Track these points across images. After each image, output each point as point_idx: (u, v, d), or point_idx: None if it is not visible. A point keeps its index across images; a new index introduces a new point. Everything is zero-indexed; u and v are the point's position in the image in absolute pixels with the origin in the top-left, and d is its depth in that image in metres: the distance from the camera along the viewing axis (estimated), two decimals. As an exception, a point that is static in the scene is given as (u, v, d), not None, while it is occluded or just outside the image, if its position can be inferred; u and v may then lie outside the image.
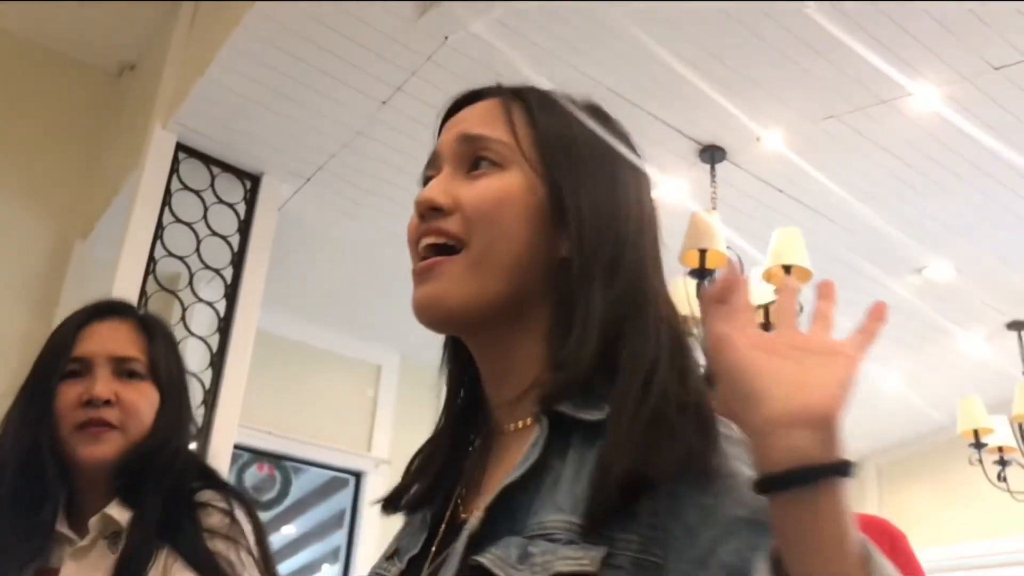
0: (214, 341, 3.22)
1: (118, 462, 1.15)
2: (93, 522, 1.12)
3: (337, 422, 4.82)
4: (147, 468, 1.15)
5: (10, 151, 3.86)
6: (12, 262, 3.81)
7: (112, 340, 1.20)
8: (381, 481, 4.80)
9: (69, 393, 1.16)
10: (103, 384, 1.16)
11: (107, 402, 1.16)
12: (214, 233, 3.37)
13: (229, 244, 3.41)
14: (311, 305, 4.58)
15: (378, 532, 4.59)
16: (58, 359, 1.19)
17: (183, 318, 3.28)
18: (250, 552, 1.12)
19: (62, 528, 1.14)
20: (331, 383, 4.86)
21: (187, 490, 1.16)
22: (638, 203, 0.78)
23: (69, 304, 3.77)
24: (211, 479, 1.21)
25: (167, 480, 1.15)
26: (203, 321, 3.30)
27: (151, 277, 3.23)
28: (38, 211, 3.91)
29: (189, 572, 1.05)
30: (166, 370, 1.22)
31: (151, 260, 3.22)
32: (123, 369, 1.19)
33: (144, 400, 1.18)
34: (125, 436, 1.16)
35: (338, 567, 4.66)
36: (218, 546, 1.10)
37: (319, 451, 4.69)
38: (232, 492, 1.20)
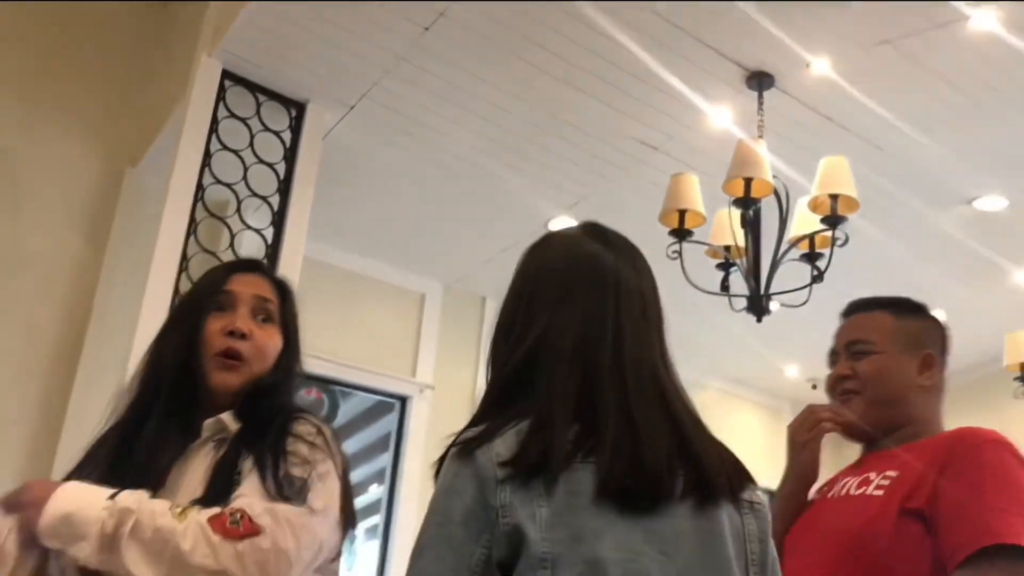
0: (262, 268, 3.29)
1: (240, 390, 1.34)
2: (208, 423, 1.30)
3: (383, 348, 4.91)
4: (262, 398, 1.33)
5: (58, 82, 3.91)
6: (64, 191, 3.89)
7: (255, 286, 1.42)
8: (425, 406, 4.90)
9: (215, 323, 1.36)
10: (243, 319, 1.37)
11: (243, 336, 1.35)
12: (260, 161, 3.41)
13: (275, 172, 3.45)
14: (356, 233, 4.62)
15: (422, 454, 4.71)
16: (211, 294, 1.40)
17: (232, 244, 3.34)
18: (330, 457, 1.26)
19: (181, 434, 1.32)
20: (376, 311, 4.93)
21: (289, 413, 1.32)
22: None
23: (121, 231, 3.85)
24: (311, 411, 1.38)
25: (275, 411, 1.31)
26: (251, 247, 3.36)
27: (200, 204, 3.28)
28: (88, 141, 3.97)
29: (254, 468, 1.20)
30: (292, 322, 1.43)
31: (199, 187, 3.27)
32: (261, 309, 1.40)
33: (271, 342, 1.38)
34: (250, 369, 1.35)
35: (384, 487, 4.80)
36: (300, 448, 1.24)
37: (366, 376, 4.78)
38: (324, 418, 1.37)
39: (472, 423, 1.04)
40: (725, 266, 3.24)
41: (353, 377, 4.76)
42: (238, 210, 3.37)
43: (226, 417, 1.30)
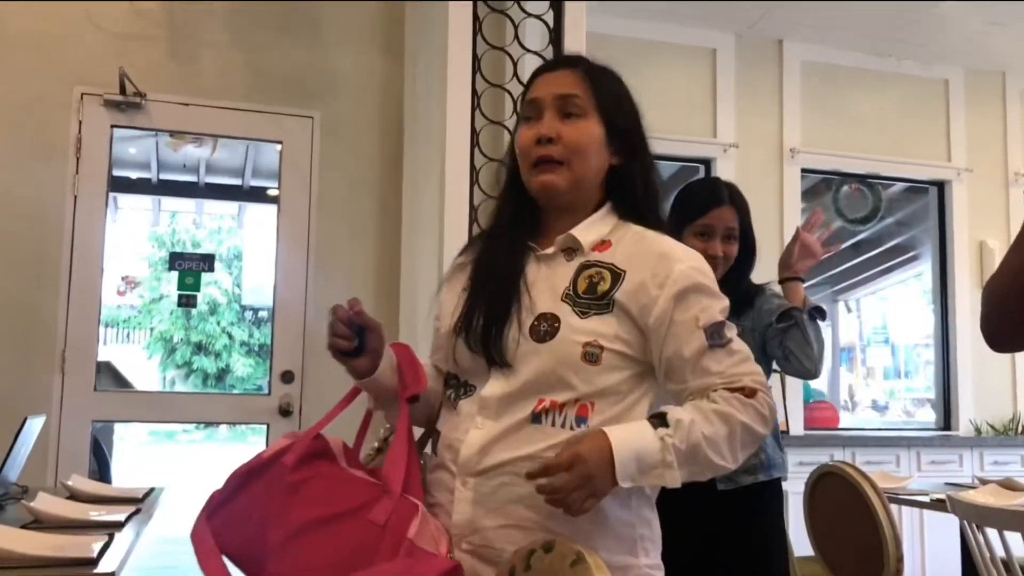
0: (548, 54, 3.29)
1: (567, 192, 1.35)
2: (559, 239, 1.36)
3: (679, 113, 4.81)
4: (615, 196, 1.38)
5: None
6: (358, 10, 4.09)
7: (557, 83, 1.37)
8: (731, 165, 4.80)
9: (526, 135, 1.37)
10: (548, 123, 1.34)
11: (551, 140, 1.33)
12: (527, -57, 3.34)
13: (544, -49, 3.36)
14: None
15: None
16: (522, 104, 1.42)
17: (516, 36, 3.36)
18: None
19: (530, 242, 1.41)
20: (668, 75, 4.80)
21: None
22: None
23: (414, 42, 4.01)
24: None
25: (626, 204, 1.37)
26: (534, 37, 3.35)
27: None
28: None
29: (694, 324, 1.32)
30: (607, 106, 1.37)
31: (478, -16, 3.28)
32: (566, 109, 1.35)
33: (584, 136, 1.34)
34: (570, 168, 1.34)
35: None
36: (709, 300, 1.34)
37: (665, 144, 4.73)
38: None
39: None
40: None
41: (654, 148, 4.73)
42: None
43: (576, 232, 1.34)
